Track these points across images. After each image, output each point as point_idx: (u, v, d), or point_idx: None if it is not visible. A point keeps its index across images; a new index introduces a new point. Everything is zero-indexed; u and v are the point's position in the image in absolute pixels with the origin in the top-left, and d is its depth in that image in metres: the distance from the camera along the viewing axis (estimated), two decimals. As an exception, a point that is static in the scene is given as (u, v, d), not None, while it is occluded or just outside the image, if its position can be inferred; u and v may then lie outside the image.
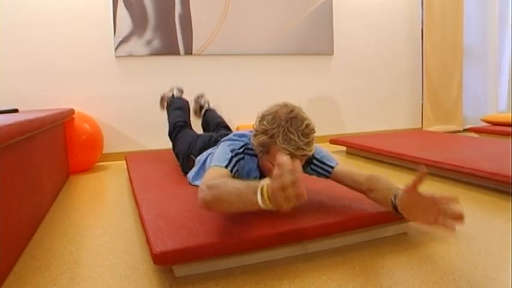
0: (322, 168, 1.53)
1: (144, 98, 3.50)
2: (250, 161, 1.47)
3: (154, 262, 1.17)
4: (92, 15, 3.32)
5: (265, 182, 0.99)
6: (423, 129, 4.59)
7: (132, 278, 1.27)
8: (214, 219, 1.38)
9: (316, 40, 4.05)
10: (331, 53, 4.15)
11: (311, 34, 4.02)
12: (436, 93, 4.60)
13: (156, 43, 3.48)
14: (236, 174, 1.40)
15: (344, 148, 3.49)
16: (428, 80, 4.56)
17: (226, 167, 1.35)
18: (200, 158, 1.92)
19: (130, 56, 3.44)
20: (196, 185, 1.86)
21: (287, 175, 0.90)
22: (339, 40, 4.18)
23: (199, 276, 1.27)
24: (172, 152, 2.42)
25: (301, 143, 1.29)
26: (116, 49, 3.38)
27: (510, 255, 1.34)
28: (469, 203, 1.97)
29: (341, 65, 4.25)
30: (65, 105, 3.22)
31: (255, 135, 1.38)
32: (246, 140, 1.49)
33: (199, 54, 3.63)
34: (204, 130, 2.84)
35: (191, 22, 3.57)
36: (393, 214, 1.27)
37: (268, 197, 0.97)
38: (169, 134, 2.49)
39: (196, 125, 2.79)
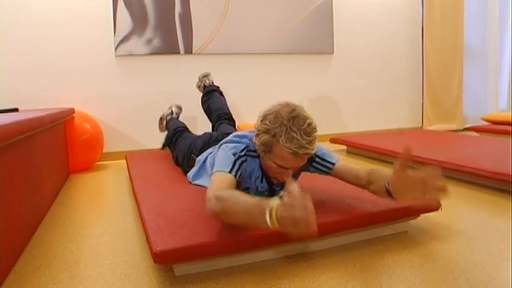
0: (324, 165, 1.53)
1: (144, 97, 3.50)
2: (253, 162, 1.47)
3: (155, 261, 1.17)
4: (91, 14, 3.32)
5: (275, 203, 1.00)
6: (423, 128, 4.59)
7: (132, 277, 1.27)
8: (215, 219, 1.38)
9: (317, 39, 4.05)
10: (331, 52, 4.15)
11: (311, 33, 4.01)
12: (437, 92, 4.60)
13: (156, 42, 3.48)
14: (240, 178, 1.40)
15: (344, 147, 3.49)
16: (429, 79, 4.56)
17: (230, 171, 1.35)
18: (200, 158, 1.92)
19: (131, 55, 3.43)
20: (196, 184, 1.86)
21: (298, 208, 0.93)
22: (339, 39, 4.18)
23: (200, 275, 1.27)
24: (172, 160, 2.42)
25: (303, 142, 1.29)
26: (116, 48, 3.38)
27: (510, 254, 1.34)
28: (470, 202, 1.96)
29: (341, 64, 4.25)
30: (65, 105, 3.21)
31: (257, 135, 1.38)
32: (246, 141, 1.48)
33: (199, 54, 3.63)
34: (205, 113, 2.80)
35: (191, 21, 3.57)
36: (393, 211, 1.27)
37: (277, 219, 0.98)
38: (170, 141, 2.48)
39: (199, 129, 2.80)
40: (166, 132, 2.75)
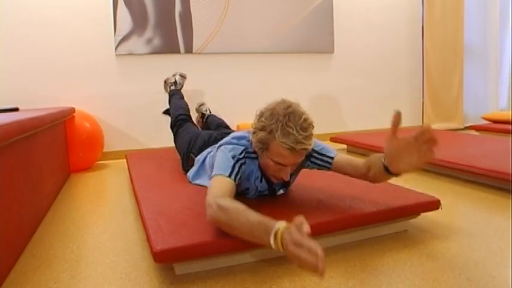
0: (323, 160, 1.53)
1: (145, 96, 3.50)
2: (251, 163, 1.47)
3: (155, 260, 1.17)
4: (92, 13, 3.31)
5: (280, 226, 0.99)
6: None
7: (133, 276, 1.28)
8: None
9: (317, 38, 4.05)
10: (331, 51, 4.15)
11: (311, 32, 4.01)
12: (437, 91, 4.59)
13: (156, 41, 3.48)
14: (239, 180, 1.40)
15: (345, 146, 3.49)
16: (429, 78, 4.55)
17: (229, 175, 1.34)
18: (200, 157, 1.92)
19: (131, 54, 3.43)
20: (196, 184, 1.86)
21: (306, 254, 0.88)
22: (340, 38, 4.18)
23: (200, 274, 1.27)
24: (174, 145, 2.42)
25: (300, 137, 1.29)
26: (116, 48, 3.38)
27: (510, 253, 1.34)
28: (470, 201, 1.97)
29: (341, 63, 4.25)
30: (65, 104, 3.22)
31: (254, 133, 1.38)
32: (245, 142, 1.47)
33: (199, 53, 3.63)
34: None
35: (191, 20, 3.57)
36: (393, 210, 1.26)
37: (282, 244, 0.96)
38: (172, 127, 2.50)
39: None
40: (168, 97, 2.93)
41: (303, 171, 1.64)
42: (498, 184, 2.13)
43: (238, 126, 3.59)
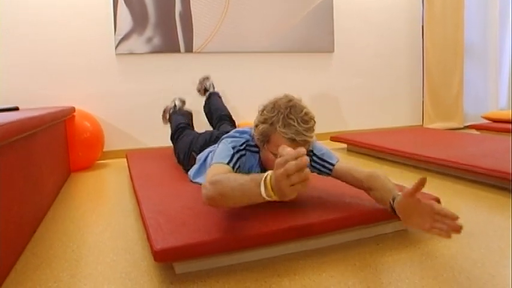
0: (323, 166, 1.53)
1: (145, 95, 3.51)
2: (252, 157, 1.48)
3: (155, 259, 1.17)
4: (92, 13, 3.31)
5: (269, 173, 0.98)
6: (424, 126, 4.59)
7: (133, 275, 1.28)
8: (215, 217, 1.38)
9: (317, 38, 4.05)
10: (331, 50, 4.15)
11: (311, 32, 4.01)
12: (437, 90, 4.59)
13: (156, 41, 3.48)
14: (238, 171, 1.40)
15: (345, 145, 3.49)
16: (429, 77, 4.55)
17: (228, 163, 1.35)
18: (201, 156, 1.92)
19: (131, 53, 3.43)
20: (197, 183, 1.86)
21: (291, 161, 0.88)
22: (340, 38, 4.18)
23: (200, 273, 1.27)
24: (174, 155, 2.42)
25: (301, 129, 1.30)
26: (116, 47, 3.38)
27: (510, 252, 1.35)
28: (469, 200, 1.97)
29: (342, 62, 4.25)
30: (65, 103, 3.22)
31: (256, 126, 1.40)
32: (247, 136, 1.49)
33: (199, 52, 3.63)
34: (206, 116, 2.83)
35: (191, 20, 3.57)
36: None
37: (272, 188, 0.95)
38: (172, 137, 2.49)
39: (199, 122, 2.80)
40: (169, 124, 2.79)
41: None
42: (498, 183, 2.13)
43: (238, 125, 3.59)
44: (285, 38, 3.92)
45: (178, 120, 2.60)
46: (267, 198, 0.98)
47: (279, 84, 3.95)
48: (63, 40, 3.25)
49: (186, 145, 2.15)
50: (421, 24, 4.57)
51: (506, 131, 3.71)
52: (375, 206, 1.46)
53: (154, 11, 3.45)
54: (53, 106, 3.03)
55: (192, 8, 3.56)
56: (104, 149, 3.27)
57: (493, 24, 4.90)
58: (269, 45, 3.87)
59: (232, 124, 2.62)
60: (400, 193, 1.22)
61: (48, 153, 2.16)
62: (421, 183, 1.09)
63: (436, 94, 4.59)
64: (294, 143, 1.30)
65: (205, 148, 1.94)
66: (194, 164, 1.98)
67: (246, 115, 3.65)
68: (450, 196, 2.04)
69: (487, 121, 4.27)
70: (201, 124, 2.91)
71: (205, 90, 3.02)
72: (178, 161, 2.29)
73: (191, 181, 1.92)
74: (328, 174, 1.55)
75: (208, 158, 1.81)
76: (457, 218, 1.06)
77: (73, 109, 2.99)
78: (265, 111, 1.37)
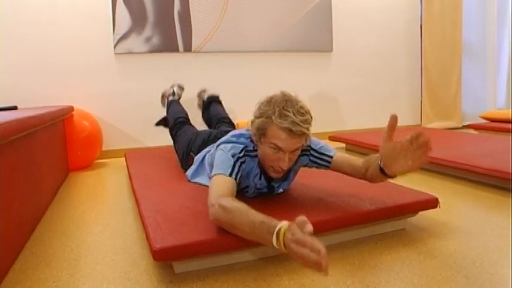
0: (322, 159, 1.53)
1: (144, 95, 3.50)
2: (251, 161, 1.48)
3: (154, 258, 1.17)
4: (91, 12, 3.31)
5: (283, 226, 0.98)
6: (422, 126, 4.60)
7: (132, 275, 1.28)
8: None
9: (316, 37, 4.05)
10: (330, 50, 4.15)
11: (310, 31, 4.01)
12: (435, 90, 4.60)
13: (155, 40, 3.47)
14: (240, 179, 1.40)
15: (343, 145, 3.50)
16: (428, 77, 4.56)
17: (230, 174, 1.35)
18: (199, 156, 1.92)
19: (130, 53, 3.43)
20: (195, 182, 1.86)
21: (309, 252, 0.89)
22: (338, 37, 4.18)
23: (199, 272, 1.27)
24: (173, 148, 2.42)
25: (296, 120, 1.30)
26: (115, 46, 3.38)
27: (510, 252, 1.35)
28: (468, 199, 1.97)
29: (340, 62, 4.25)
30: (64, 103, 3.21)
31: (252, 122, 1.40)
32: (243, 140, 1.47)
33: (198, 52, 3.63)
34: (206, 123, 2.83)
35: (190, 19, 3.56)
36: (392, 208, 1.27)
37: (284, 244, 0.96)
38: (170, 131, 2.49)
39: (197, 123, 2.80)
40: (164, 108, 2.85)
41: (302, 170, 1.64)
42: (496, 183, 2.14)
43: (237, 125, 3.58)
44: (283, 37, 3.92)
45: (177, 114, 2.59)
46: (278, 248, 0.99)
47: (278, 84, 3.92)
48: (61, 40, 3.25)
49: (185, 144, 2.15)
50: (419, 23, 4.58)
51: (505, 130, 3.72)
52: (374, 205, 1.47)
53: (153, 10, 3.45)
54: (52, 105, 3.03)
55: (190, 8, 3.55)
56: (103, 148, 3.26)
57: (491, 24, 4.91)
58: (268, 45, 3.88)
59: (232, 126, 2.61)
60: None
61: (47, 152, 2.15)
62: (393, 121, 1.20)
63: (435, 94, 4.60)
64: (290, 134, 1.31)
65: (203, 148, 1.94)
66: (192, 164, 1.98)
67: (244, 114, 3.63)
68: (449, 196, 2.04)
69: (485, 121, 4.28)
70: (200, 126, 2.91)
71: (203, 102, 3.03)
72: (178, 157, 2.29)
73: (189, 181, 1.92)
74: (327, 167, 1.55)
75: (206, 159, 1.81)
76: (422, 132, 1.16)
77: (72, 108, 2.98)
78: (261, 106, 1.39)
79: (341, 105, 4.30)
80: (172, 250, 1.18)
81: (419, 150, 1.17)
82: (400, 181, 1.77)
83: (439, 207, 1.56)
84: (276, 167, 1.41)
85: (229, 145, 1.45)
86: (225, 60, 3.75)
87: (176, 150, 2.32)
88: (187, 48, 3.58)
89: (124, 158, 2.82)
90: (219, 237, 1.23)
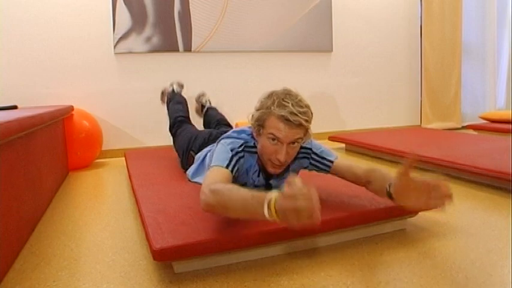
0: (322, 163, 1.54)
1: (144, 95, 3.50)
2: (250, 157, 1.48)
3: (154, 258, 1.17)
4: (91, 11, 3.31)
5: (273, 195, 0.98)
6: (422, 126, 4.60)
7: (132, 274, 1.28)
8: (214, 216, 1.38)
9: (315, 37, 4.05)
10: (330, 50, 4.15)
11: (310, 31, 4.01)
12: (435, 90, 4.60)
13: (155, 40, 3.47)
14: (237, 174, 1.40)
15: (343, 145, 3.49)
16: (427, 77, 4.56)
17: (227, 167, 1.35)
18: (199, 155, 1.92)
19: (130, 52, 3.43)
20: (195, 182, 1.86)
21: (300, 198, 0.90)
22: (338, 37, 4.18)
23: (199, 272, 1.27)
24: (173, 148, 2.42)
25: (295, 110, 1.31)
26: (115, 46, 3.38)
27: (510, 252, 1.35)
28: (468, 200, 1.97)
29: (340, 62, 4.25)
30: (64, 102, 3.21)
31: (253, 116, 1.41)
32: (244, 136, 1.49)
33: (198, 51, 3.63)
34: (205, 127, 2.85)
35: (190, 19, 3.56)
36: (391, 209, 1.27)
37: (276, 211, 0.96)
38: (170, 129, 2.49)
39: (197, 121, 2.80)
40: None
41: (301, 172, 1.64)
42: (495, 183, 2.14)
43: (236, 124, 3.59)
44: (283, 37, 3.92)
45: (176, 112, 2.60)
46: (270, 220, 0.99)
47: (278, 84, 3.90)
48: (61, 39, 3.25)
49: (185, 143, 2.15)
50: (419, 24, 4.58)
51: (504, 131, 3.72)
52: (373, 205, 1.47)
53: (153, 10, 3.45)
54: (52, 105, 3.03)
55: (191, 8, 3.55)
56: (103, 148, 3.26)
57: (491, 24, 4.91)
58: (268, 45, 3.88)
59: (230, 128, 2.61)
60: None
61: (46, 152, 2.15)
62: (411, 161, 1.13)
63: (434, 94, 4.60)
64: (288, 123, 1.31)
65: (204, 147, 1.94)
66: (193, 163, 1.98)
67: (244, 114, 3.63)
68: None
69: (484, 121, 4.28)
70: (199, 127, 2.91)
71: (202, 106, 3.04)
72: (178, 156, 2.29)
73: (189, 180, 1.92)
74: (327, 172, 1.55)
75: (207, 158, 1.81)
76: (449, 187, 1.10)
77: (71, 108, 2.98)
78: (262, 99, 1.41)
79: (341, 105, 4.30)
80: (172, 250, 1.18)
81: (436, 198, 1.11)
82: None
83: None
84: (274, 159, 1.39)
85: (230, 140, 1.46)
86: (225, 60, 3.75)
87: (176, 149, 2.32)
88: (188, 48, 3.58)
89: (124, 158, 2.82)
90: (219, 237, 1.23)
